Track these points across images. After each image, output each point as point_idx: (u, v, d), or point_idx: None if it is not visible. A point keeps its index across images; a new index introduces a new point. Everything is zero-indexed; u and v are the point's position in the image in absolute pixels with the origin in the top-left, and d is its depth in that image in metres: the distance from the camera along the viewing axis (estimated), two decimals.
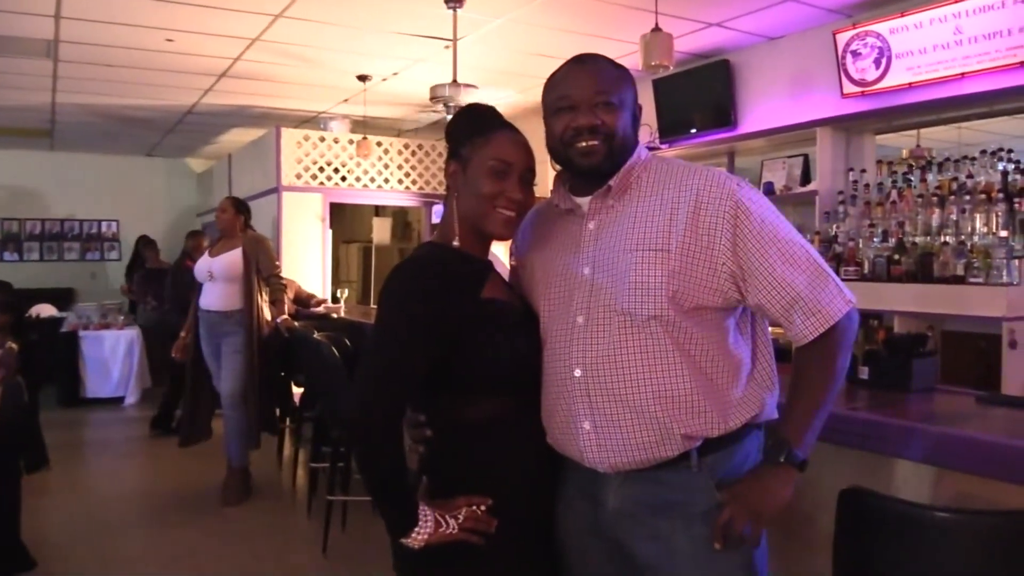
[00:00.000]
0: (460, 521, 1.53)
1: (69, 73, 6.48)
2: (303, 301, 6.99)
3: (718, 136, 5.86)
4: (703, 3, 4.83)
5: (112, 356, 7.65)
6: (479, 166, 1.62)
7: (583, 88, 1.58)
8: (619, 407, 1.53)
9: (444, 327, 1.54)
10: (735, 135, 5.77)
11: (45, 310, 8.49)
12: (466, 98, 4.91)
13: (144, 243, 8.67)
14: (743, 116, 5.71)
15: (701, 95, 5.86)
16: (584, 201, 1.63)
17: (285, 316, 5.04)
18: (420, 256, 1.66)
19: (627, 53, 4.66)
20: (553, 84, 1.64)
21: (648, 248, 1.53)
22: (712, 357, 1.54)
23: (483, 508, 1.55)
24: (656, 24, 4.26)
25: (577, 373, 1.56)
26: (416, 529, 1.51)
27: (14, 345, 3.82)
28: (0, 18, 5.06)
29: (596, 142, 1.57)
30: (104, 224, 11.43)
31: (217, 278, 4.76)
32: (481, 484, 1.58)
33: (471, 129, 1.66)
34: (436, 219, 8.64)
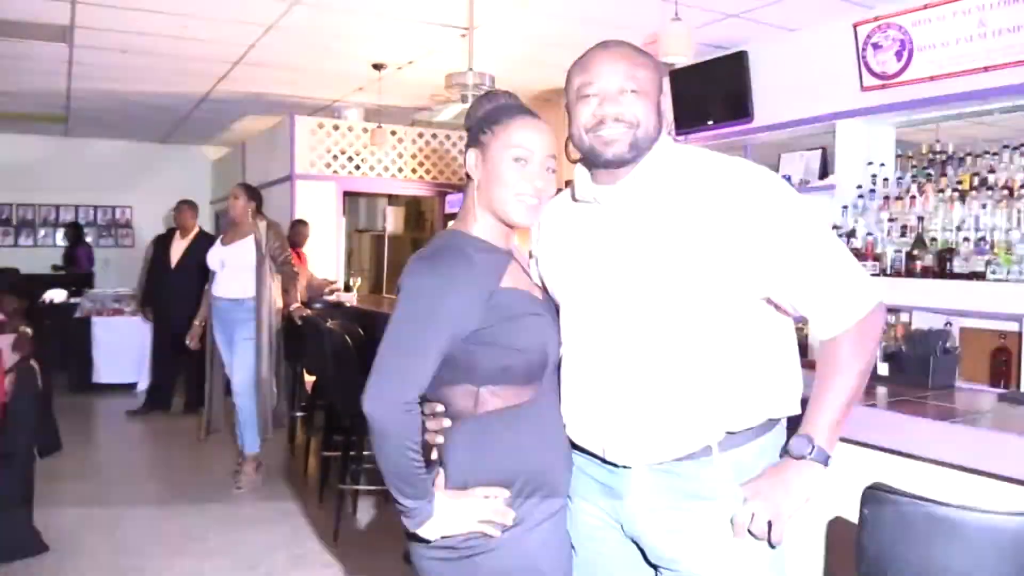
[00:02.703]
0: (477, 512, 1.52)
1: (85, 59, 6.48)
2: (317, 288, 7.00)
3: (735, 128, 5.81)
4: None
5: (125, 342, 7.66)
6: (500, 154, 1.59)
7: (609, 75, 1.53)
8: (644, 400, 1.52)
9: (463, 316, 1.52)
10: (752, 127, 5.71)
11: (58, 296, 8.53)
12: (482, 86, 4.88)
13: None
14: (760, 108, 5.65)
15: (718, 87, 5.80)
16: (606, 190, 1.59)
17: (297, 304, 5.04)
18: (441, 244, 1.63)
19: (645, 44, 4.61)
20: (578, 70, 1.58)
21: (674, 239, 1.50)
22: (737, 350, 1.51)
23: (500, 499, 1.53)
24: (676, 14, 4.22)
25: (599, 364, 1.55)
26: (432, 520, 1.50)
27: (27, 330, 3.82)
28: (16, 2, 5.06)
29: (621, 131, 1.52)
30: (119, 211, 11.47)
31: (229, 266, 4.75)
32: (499, 472, 1.56)
33: (491, 116, 1.63)
34: (450, 209, 8.63)
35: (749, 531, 1.45)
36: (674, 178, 1.56)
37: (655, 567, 1.57)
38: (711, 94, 5.85)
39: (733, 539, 1.47)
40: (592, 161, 1.59)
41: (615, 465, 1.56)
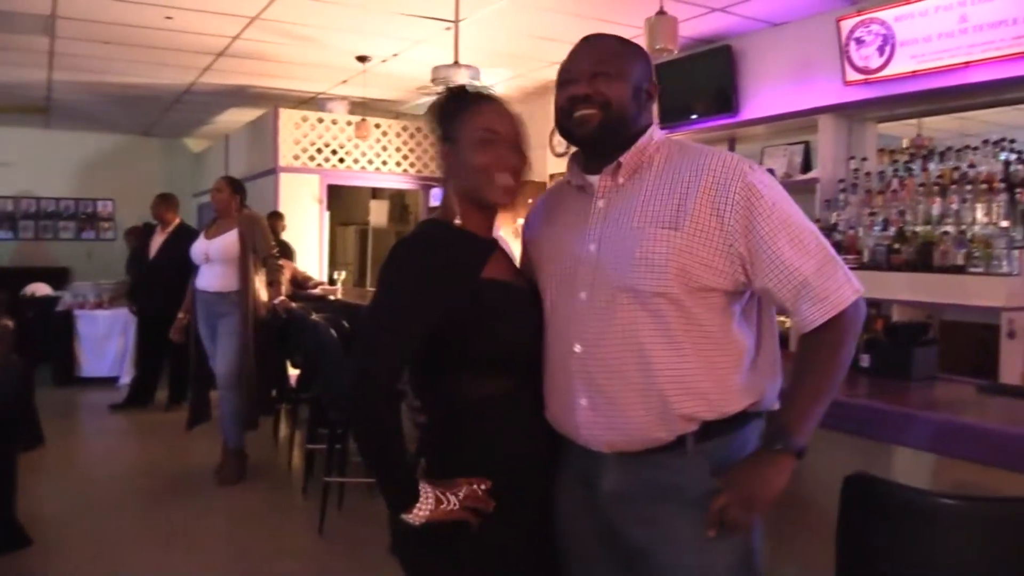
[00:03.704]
0: (460, 499, 1.53)
1: (66, 50, 6.43)
2: (300, 283, 6.98)
3: (719, 122, 5.84)
4: None
5: (107, 335, 7.61)
6: (468, 139, 1.63)
7: (582, 61, 1.62)
8: (617, 384, 1.53)
9: (441, 304, 1.54)
10: (736, 121, 5.75)
11: (40, 289, 8.45)
12: (468, 79, 4.88)
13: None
14: (744, 102, 5.68)
15: (703, 81, 5.83)
16: (595, 178, 1.63)
17: (282, 297, 5.02)
18: (421, 232, 1.67)
19: (631, 37, 4.62)
20: (563, 62, 1.66)
21: (656, 225, 1.52)
22: (715, 340, 1.52)
23: (483, 488, 1.54)
24: (661, 7, 4.23)
25: (577, 348, 1.56)
26: (417, 505, 1.50)
27: (9, 323, 3.80)
28: None
29: (591, 111, 1.57)
30: (100, 203, 11.38)
31: (213, 259, 4.73)
32: (480, 463, 1.57)
33: (456, 107, 1.67)
34: (435, 202, 8.62)
35: (721, 521, 1.46)
36: (663, 167, 1.58)
37: (630, 557, 1.58)
38: (696, 88, 5.88)
39: (706, 532, 1.47)
40: (570, 143, 1.66)
41: (592, 453, 1.57)
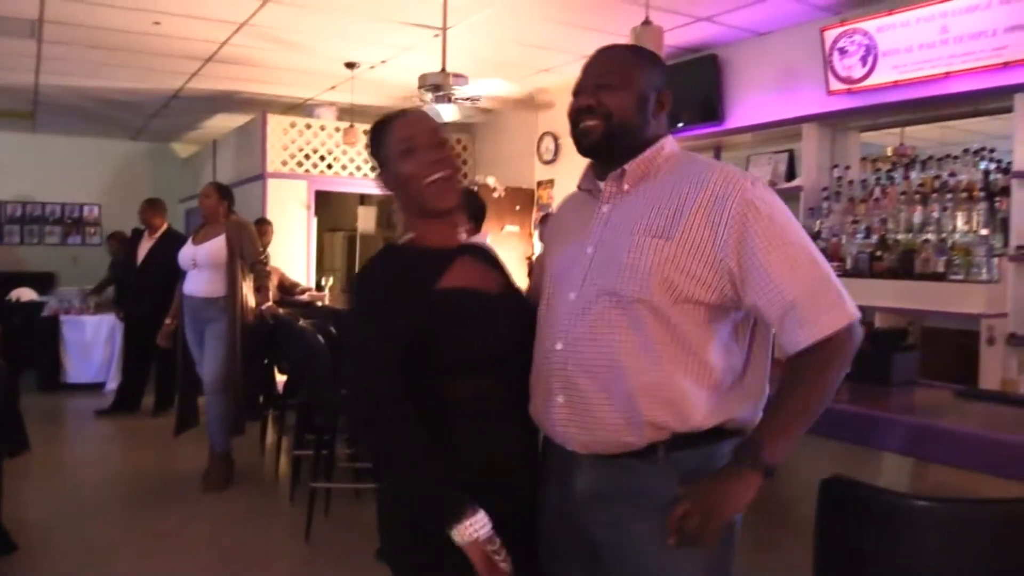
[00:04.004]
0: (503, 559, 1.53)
1: (54, 54, 6.42)
2: (287, 289, 6.98)
3: (705, 131, 5.89)
4: None
5: (93, 341, 7.57)
6: (392, 156, 1.71)
7: (588, 72, 1.66)
8: (591, 384, 1.54)
9: (403, 321, 1.60)
10: (722, 130, 5.80)
11: (25, 294, 8.41)
12: (455, 87, 4.91)
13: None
14: (730, 111, 5.74)
15: (689, 89, 5.88)
16: (603, 184, 1.66)
17: (269, 303, 5.03)
18: (374, 260, 1.75)
19: None
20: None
21: (649, 234, 1.53)
22: (694, 353, 1.51)
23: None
24: (647, 17, 4.28)
25: (558, 347, 1.59)
26: (471, 523, 1.50)
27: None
28: None
29: (593, 122, 1.62)
30: (86, 208, 11.34)
31: (201, 265, 4.73)
32: (459, 462, 1.59)
33: (377, 133, 1.77)
34: None
35: (679, 530, 1.45)
36: (667, 177, 1.61)
37: (596, 558, 1.59)
38: (682, 97, 5.84)
39: (669, 541, 1.46)
40: (579, 152, 1.69)
41: (569, 453, 1.60)
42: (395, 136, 1.71)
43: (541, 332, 1.66)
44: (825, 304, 1.47)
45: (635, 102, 1.62)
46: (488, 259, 1.80)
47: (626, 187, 1.63)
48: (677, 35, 5.43)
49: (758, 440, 1.48)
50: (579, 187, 1.74)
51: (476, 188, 7.07)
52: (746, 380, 1.57)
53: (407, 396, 1.58)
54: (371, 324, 1.62)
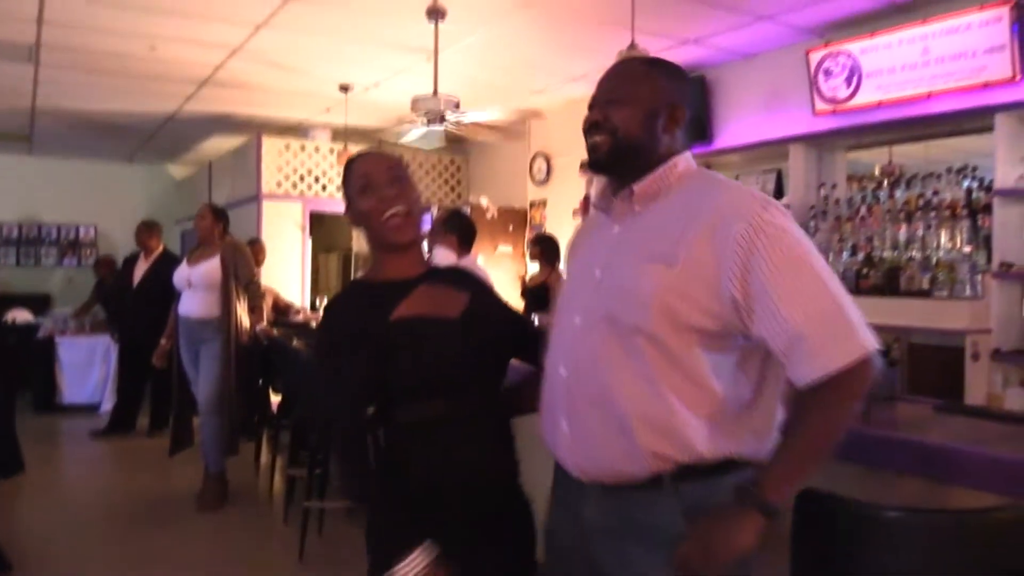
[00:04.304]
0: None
1: (50, 78, 6.48)
2: (282, 310, 7.02)
3: (694, 151, 5.91)
4: (679, 20, 4.94)
5: (88, 362, 7.59)
6: (353, 194, 1.80)
7: (600, 86, 1.65)
8: (592, 412, 1.52)
9: (364, 353, 1.68)
10: (711, 150, 5.87)
11: (21, 315, 8.43)
12: (447, 110, 4.98)
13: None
14: (719, 132, 5.82)
15: None
16: (615, 202, 1.64)
17: (264, 324, 5.07)
18: (340, 293, 1.92)
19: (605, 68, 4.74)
20: None
21: (651, 259, 1.48)
22: (696, 382, 1.45)
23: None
24: (632, 40, 4.35)
25: (562, 372, 1.58)
26: (408, 561, 1.56)
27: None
28: None
29: (599, 137, 1.59)
30: (82, 229, 11.37)
31: (196, 286, 4.78)
32: (415, 484, 1.66)
33: (344, 171, 1.86)
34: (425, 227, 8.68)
35: (683, 569, 1.43)
36: (678, 199, 1.55)
37: None
38: None
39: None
40: (589, 167, 1.68)
41: (579, 483, 1.57)
42: (355, 174, 1.80)
43: (549, 356, 1.64)
44: (835, 336, 1.37)
45: (643, 118, 1.57)
46: (459, 283, 1.85)
47: (636, 208, 1.58)
48: (665, 57, 5.50)
49: (761, 480, 1.41)
50: (594, 205, 1.71)
51: (468, 209, 7.13)
52: (755, 411, 1.50)
53: (363, 428, 1.67)
54: (331, 360, 1.74)
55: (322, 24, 5.10)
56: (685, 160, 1.61)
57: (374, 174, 1.77)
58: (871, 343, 1.37)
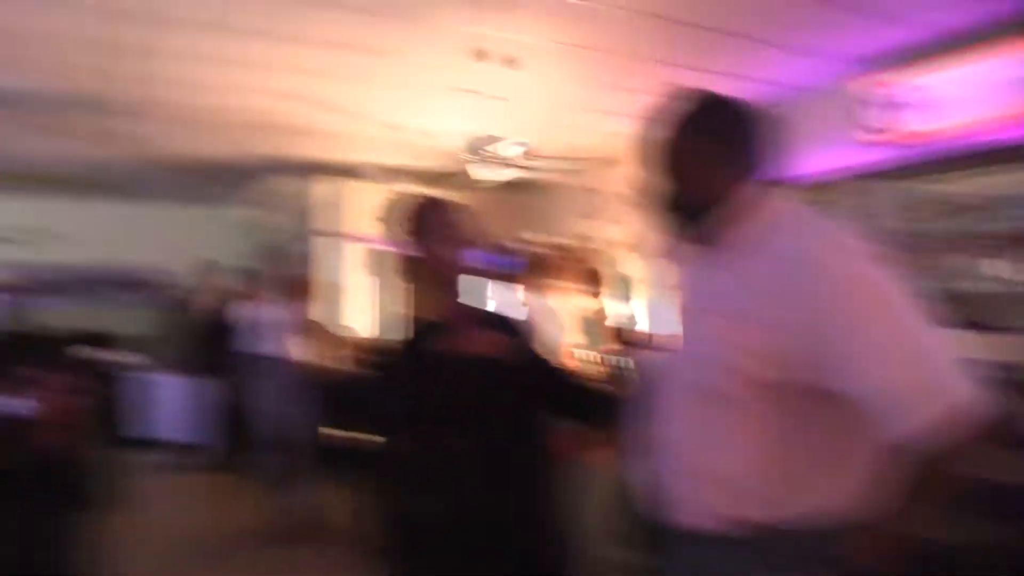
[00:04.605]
0: None
1: (117, 128, 6.70)
2: (354, 346, 7.15)
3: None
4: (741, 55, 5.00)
5: (173, 399, 7.79)
6: (435, 238, 1.98)
7: (651, 157, 1.66)
8: (671, 463, 1.54)
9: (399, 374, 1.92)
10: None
11: (86, 352, 8.66)
12: (511, 151, 5.02)
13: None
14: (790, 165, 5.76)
15: None
16: (695, 246, 1.64)
17: (331, 359, 5.23)
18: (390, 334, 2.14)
19: (645, 103, 4.79)
20: None
21: (729, 317, 1.45)
22: (779, 440, 1.41)
23: None
24: (677, 81, 4.41)
25: (656, 422, 1.60)
26: None
27: (90, 392, 3.98)
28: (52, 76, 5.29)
29: (663, 199, 1.62)
30: (146, 271, 11.68)
31: (263, 324, 4.96)
32: (386, 513, 1.84)
33: (422, 209, 2.02)
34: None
35: None
36: (756, 246, 1.49)
37: None
38: None
39: None
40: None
41: (676, 527, 1.56)
42: (440, 220, 1.92)
43: (653, 406, 1.64)
44: (919, 388, 1.27)
45: (703, 181, 1.54)
46: (492, 324, 1.95)
47: (708, 252, 1.56)
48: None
49: (848, 541, 1.36)
50: (674, 251, 1.70)
51: (533, 247, 7.14)
52: (842, 468, 1.44)
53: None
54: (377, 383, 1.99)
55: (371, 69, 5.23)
56: (754, 195, 1.54)
57: (444, 221, 1.88)
58: (962, 392, 1.28)
